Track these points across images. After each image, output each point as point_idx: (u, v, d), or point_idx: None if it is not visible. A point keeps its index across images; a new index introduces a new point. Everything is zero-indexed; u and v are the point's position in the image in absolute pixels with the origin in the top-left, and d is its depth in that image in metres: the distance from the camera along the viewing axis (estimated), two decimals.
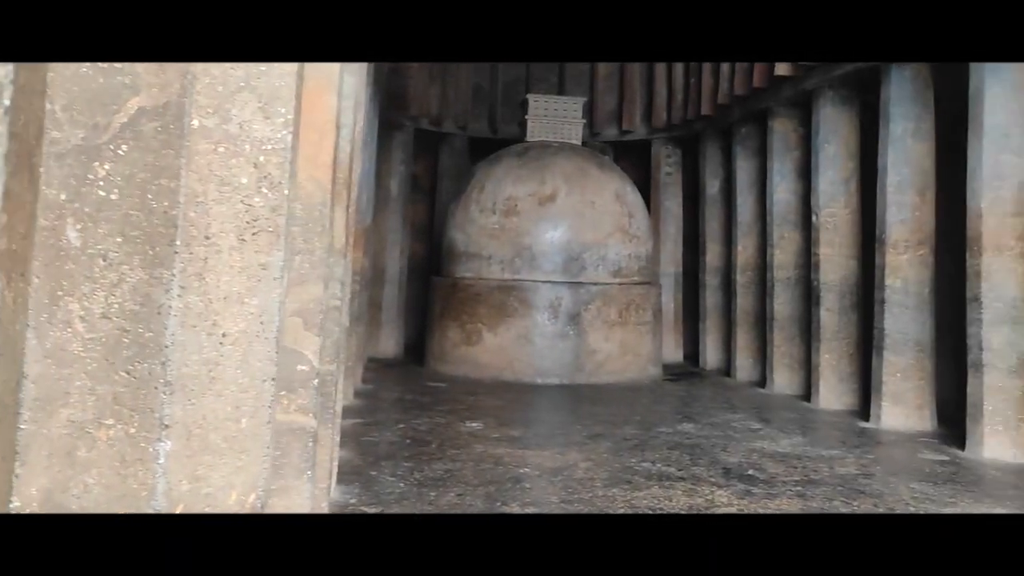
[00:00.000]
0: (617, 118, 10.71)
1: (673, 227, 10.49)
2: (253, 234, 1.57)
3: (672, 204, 10.50)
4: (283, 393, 2.19)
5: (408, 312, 10.26)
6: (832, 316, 7.18)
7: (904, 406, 6.21)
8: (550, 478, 4.57)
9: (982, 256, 5.40)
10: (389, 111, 9.16)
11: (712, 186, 9.61)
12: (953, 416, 5.95)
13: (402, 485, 4.31)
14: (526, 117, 9.45)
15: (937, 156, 6.38)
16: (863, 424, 6.34)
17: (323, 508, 3.30)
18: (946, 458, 5.25)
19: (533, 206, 8.62)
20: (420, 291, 10.08)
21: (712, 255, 9.57)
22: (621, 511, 3.97)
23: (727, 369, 9.11)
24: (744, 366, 8.76)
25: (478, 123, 10.68)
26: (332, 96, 2.36)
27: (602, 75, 10.73)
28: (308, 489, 2.30)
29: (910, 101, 6.30)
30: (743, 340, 8.77)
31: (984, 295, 5.38)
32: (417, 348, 9.68)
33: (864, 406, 6.73)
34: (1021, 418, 5.20)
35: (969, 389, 5.44)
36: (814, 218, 7.31)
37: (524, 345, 8.34)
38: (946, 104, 6.50)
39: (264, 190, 1.57)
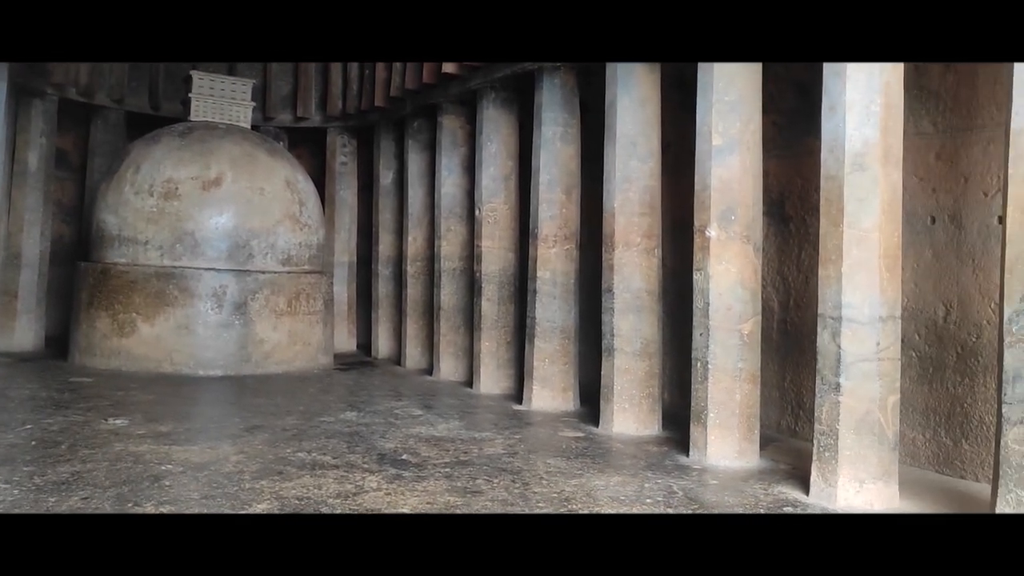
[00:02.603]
0: (292, 104, 10.44)
1: (348, 216, 10.48)
2: None
3: (347, 193, 10.47)
4: None
5: (52, 301, 9.25)
6: (492, 306, 7.56)
7: (551, 389, 6.72)
8: (195, 474, 4.34)
9: (615, 251, 5.96)
10: (25, 75, 8.17)
11: (386, 177, 9.71)
12: (593, 397, 6.53)
13: (16, 492, 3.85)
14: (190, 95, 8.90)
15: (583, 159, 6.96)
16: (516, 407, 6.75)
17: None
18: (582, 435, 5.75)
19: (196, 190, 8.15)
20: (67, 277, 9.11)
21: (385, 245, 9.67)
22: (265, 504, 3.86)
23: (398, 358, 9.27)
24: (413, 355, 8.96)
25: (137, 98, 9.85)
26: None
27: None
28: None
29: (559, 107, 6.80)
30: (413, 329, 8.97)
31: (616, 286, 5.95)
32: (62, 340, 8.75)
33: (519, 390, 7.17)
34: (643, 396, 5.84)
35: (603, 371, 6.00)
36: (477, 212, 7.65)
37: (185, 336, 7.87)
38: (592, 113, 7.11)
39: None
